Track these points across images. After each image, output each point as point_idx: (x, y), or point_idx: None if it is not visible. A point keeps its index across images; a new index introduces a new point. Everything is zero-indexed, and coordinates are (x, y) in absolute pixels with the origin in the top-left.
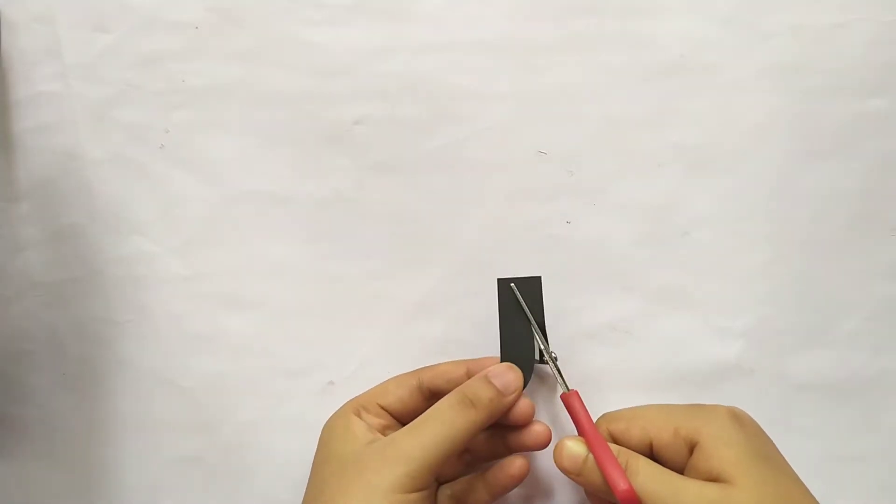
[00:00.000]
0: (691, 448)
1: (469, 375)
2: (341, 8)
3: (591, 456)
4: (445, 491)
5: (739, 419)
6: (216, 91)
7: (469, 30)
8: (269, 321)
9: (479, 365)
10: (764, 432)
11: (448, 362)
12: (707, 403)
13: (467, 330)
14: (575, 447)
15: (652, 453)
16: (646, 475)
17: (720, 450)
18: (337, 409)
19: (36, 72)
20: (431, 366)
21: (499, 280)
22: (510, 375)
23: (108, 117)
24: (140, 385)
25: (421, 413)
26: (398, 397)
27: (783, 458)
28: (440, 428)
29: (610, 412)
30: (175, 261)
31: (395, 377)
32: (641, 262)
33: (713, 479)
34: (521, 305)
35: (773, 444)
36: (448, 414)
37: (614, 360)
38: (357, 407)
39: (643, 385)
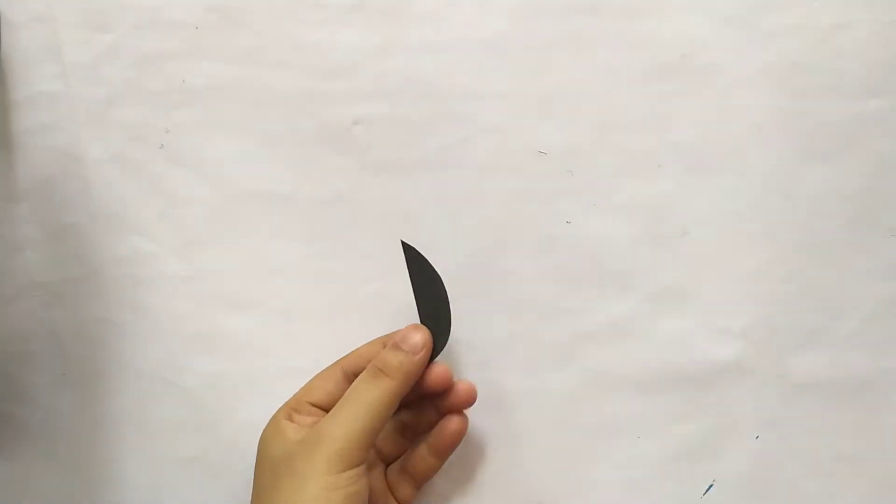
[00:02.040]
0: None
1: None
2: (341, 8)
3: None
4: (395, 467)
5: None
6: (216, 91)
7: (469, 30)
8: (269, 321)
9: (392, 337)
10: None
11: (369, 343)
12: None
13: (467, 330)
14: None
15: None
16: None
17: None
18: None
19: (36, 72)
20: (348, 354)
21: (402, 242)
22: (415, 335)
23: (108, 117)
24: (140, 385)
25: None
26: (326, 391)
27: None
28: (357, 404)
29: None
30: (175, 261)
31: (316, 375)
32: (641, 262)
33: None
34: (425, 270)
35: None
36: (361, 388)
37: (614, 360)
38: (287, 411)
39: (643, 385)
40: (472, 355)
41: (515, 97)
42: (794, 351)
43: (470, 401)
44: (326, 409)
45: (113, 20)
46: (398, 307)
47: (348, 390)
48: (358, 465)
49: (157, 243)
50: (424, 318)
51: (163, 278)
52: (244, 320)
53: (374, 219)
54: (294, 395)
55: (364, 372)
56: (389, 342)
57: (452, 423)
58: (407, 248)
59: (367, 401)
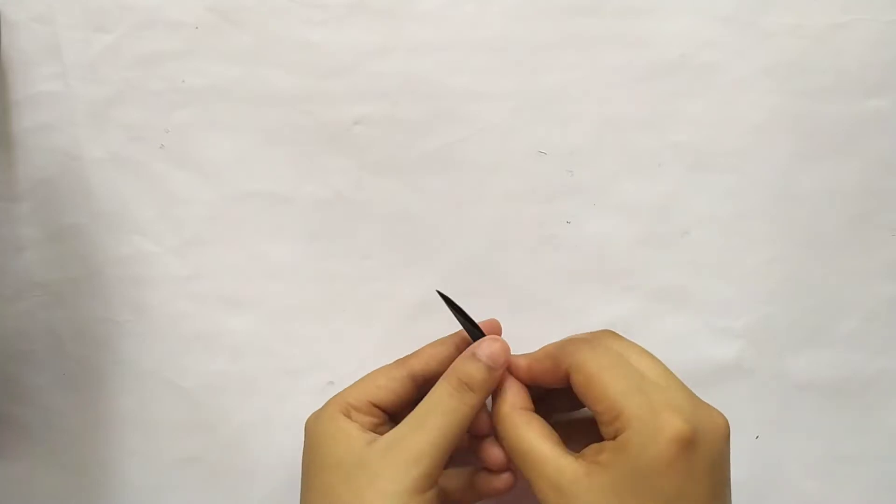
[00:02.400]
0: (613, 438)
1: (458, 351)
2: (341, 8)
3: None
4: None
5: (662, 453)
6: (216, 91)
7: (469, 30)
8: (269, 321)
9: (463, 337)
10: (670, 490)
11: (431, 344)
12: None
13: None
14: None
15: (594, 413)
16: (508, 445)
17: (616, 457)
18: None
19: (36, 72)
20: (416, 352)
21: (439, 293)
22: (496, 347)
23: (108, 117)
24: (140, 385)
25: (413, 403)
26: (392, 393)
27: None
28: (444, 419)
29: (580, 351)
30: (175, 261)
31: (380, 370)
32: (641, 262)
33: (589, 463)
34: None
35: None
36: (448, 403)
37: None
38: (345, 407)
39: None
40: None
41: (515, 97)
42: (794, 351)
43: (504, 489)
44: (387, 412)
45: (113, 20)
46: (398, 307)
47: (430, 400)
48: (437, 485)
49: (157, 243)
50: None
51: (163, 278)
52: (244, 320)
53: (374, 219)
54: (351, 390)
55: (445, 382)
56: (468, 351)
57: (500, 480)
58: (445, 298)
59: (455, 416)
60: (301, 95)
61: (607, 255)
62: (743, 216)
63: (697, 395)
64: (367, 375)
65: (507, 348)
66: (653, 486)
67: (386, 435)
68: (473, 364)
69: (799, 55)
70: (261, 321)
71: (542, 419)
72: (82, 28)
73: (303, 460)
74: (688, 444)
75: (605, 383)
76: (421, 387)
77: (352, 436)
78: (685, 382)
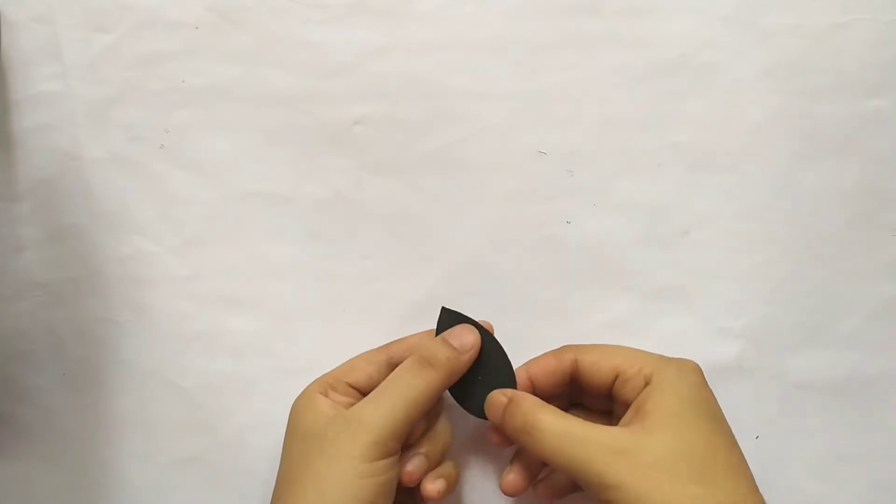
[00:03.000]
0: (646, 385)
1: None
2: (341, 8)
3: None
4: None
5: (696, 375)
6: (216, 91)
7: (469, 30)
8: (269, 321)
9: (448, 332)
10: (715, 406)
11: (416, 334)
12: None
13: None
14: (499, 397)
15: (614, 386)
16: (552, 432)
17: (661, 395)
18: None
19: (36, 72)
20: (400, 339)
21: (443, 308)
22: (467, 335)
23: (108, 117)
24: (140, 385)
25: None
26: (366, 374)
27: (729, 437)
28: (400, 392)
29: (580, 344)
30: (175, 261)
31: (362, 354)
32: (641, 262)
33: (640, 420)
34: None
35: (722, 421)
36: (406, 377)
37: None
38: (324, 386)
39: None
40: None
41: (515, 97)
42: (794, 351)
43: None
44: (363, 392)
45: (113, 20)
46: (398, 307)
47: (390, 376)
48: (392, 455)
49: (157, 243)
50: (470, 384)
51: (163, 278)
52: (244, 320)
53: (374, 219)
54: (332, 371)
55: (409, 359)
56: (439, 336)
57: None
58: (447, 313)
59: (410, 390)
60: (301, 95)
61: (607, 255)
62: (743, 216)
63: None
64: (351, 359)
65: (477, 338)
66: (702, 409)
67: (348, 409)
68: (439, 343)
69: (799, 55)
70: (261, 321)
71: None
72: (82, 28)
73: (284, 437)
74: (699, 369)
75: (617, 350)
76: None
77: (321, 410)
78: None
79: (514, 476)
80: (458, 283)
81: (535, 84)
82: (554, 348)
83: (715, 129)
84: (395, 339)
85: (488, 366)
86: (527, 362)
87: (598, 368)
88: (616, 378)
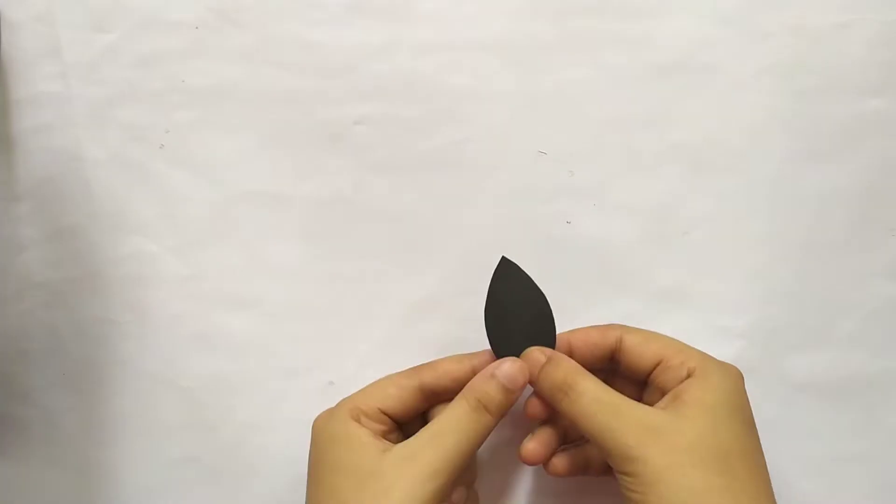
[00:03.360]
0: (688, 376)
1: (474, 372)
2: (341, 8)
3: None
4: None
5: (738, 380)
6: (216, 91)
7: (469, 30)
8: (269, 321)
9: (482, 360)
10: (749, 413)
11: (448, 359)
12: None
13: (467, 330)
14: (538, 354)
15: (654, 371)
16: (591, 397)
17: (702, 390)
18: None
19: (36, 72)
20: (430, 363)
21: (504, 258)
22: (515, 368)
23: (108, 117)
24: (140, 385)
25: (418, 412)
26: (400, 401)
27: (757, 442)
28: (460, 437)
29: (626, 325)
30: (175, 261)
31: (391, 377)
32: (641, 262)
33: (676, 407)
34: (527, 286)
35: (754, 427)
36: (466, 422)
37: None
38: (356, 412)
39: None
40: None
41: (515, 97)
42: (794, 351)
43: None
44: (395, 419)
45: (113, 20)
46: (398, 307)
47: (447, 417)
48: (448, 500)
49: (157, 243)
50: (512, 336)
51: (163, 278)
52: (244, 320)
53: (374, 219)
54: (362, 394)
55: (464, 401)
56: (487, 371)
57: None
58: (507, 264)
59: (471, 435)
60: (301, 95)
61: (607, 255)
62: (743, 216)
63: None
64: (378, 382)
65: (525, 370)
66: (736, 410)
67: (400, 445)
68: (492, 384)
69: (799, 55)
70: (261, 321)
71: None
72: (82, 28)
73: (311, 460)
74: (743, 379)
75: (664, 338)
76: (429, 398)
77: (364, 442)
78: None
79: (534, 444)
80: (458, 283)
81: (535, 84)
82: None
83: (715, 129)
84: (425, 362)
85: (532, 322)
86: (570, 330)
87: (643, 350)
88: (658, 364)
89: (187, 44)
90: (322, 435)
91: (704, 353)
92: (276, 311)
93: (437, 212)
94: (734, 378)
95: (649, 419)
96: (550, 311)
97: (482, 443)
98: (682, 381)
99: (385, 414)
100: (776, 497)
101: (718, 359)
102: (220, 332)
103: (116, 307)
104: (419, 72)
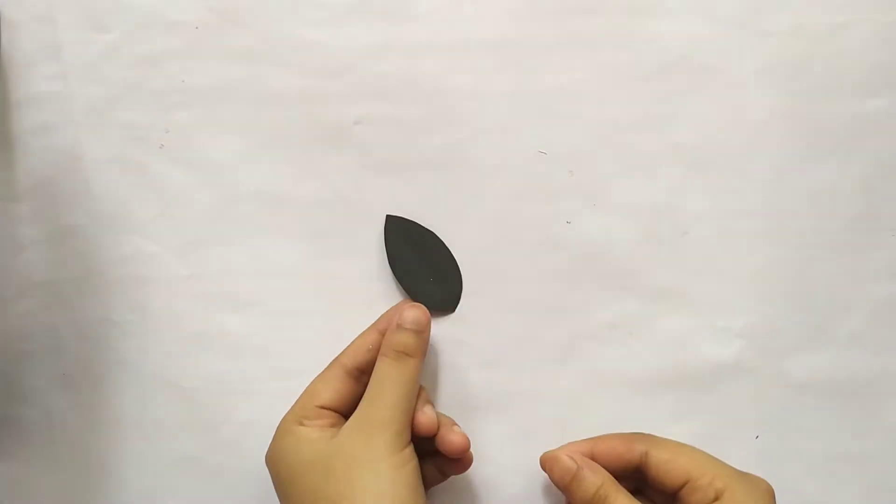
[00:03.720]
0: (715, 499)
1: (382, 333)
2: (341, 8)
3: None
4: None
5: (768, 498)
6: (216, 91)
7: (469, 30)
8: (269, 321)
9: (384, 320)
10: None
11: (358, 336)
12: (754, 475)
13: (467, 330)
14: (569, 462)
15: (681, 490)
16: None
17: None
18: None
19: (36, 72)
20: (344, 350)
21: (388, 217)
22: (415, 311)
23: (108, 117)
24: (140, 385)
25: (357, 396)
26: (333, 391)
27: None
28: (394, 385)
29: (653, 436)
30: (175, 261)
31: (317, 378)
32: (641, 262)
33: None
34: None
35: None
36: (393, 372)
37: (614, 360)
38: (296, 419)
39: (643, 385)
40: (472, 355)
41: (515, 97)
42: (794, 351)
43: (464, 460)
44: (336, 410)
45: (113, 20)
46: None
47: (377, 375)
48: (409, 443)
49: (157, 243)
50: (423, 284)
51: (163, 278)
52: (244, 320)
53: (374, 219)
54: (297, 404)
55: (384, 357)
56: (392, 325)
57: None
58: (391, 219)
59: (403, 382)
60: (301, 95)
61: (607, 255)
62: (743, 216)
63: (698, 395)
64: (307, 387)
65: (425, 311)
66: None
67: (347, 422)
68: (403, 333)
69: (799, 55)
70: (261, 321)
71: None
72: (82, 28)
73: (277, 491)
74: (773, 495)
75: (691, 454)
76: (357, 379)
77: (313, 438)
78: (685, 382)
79: None
80: None
81: (535, 84)
82: (625, 432)
83: (715, 129)
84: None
85: (438, 266)
86: (593, 438)
87: (669, 469)
88: (686, 483)
89: (187, 44)
90: (274, 457)
91: (733, 471)
92: (276, 311)
93: (438, 212)
94: (763, 496)
95: None
96: (448, 250)
97: (417, 382)
98: (707, 501)
99: (325, 408)
100: (776, 497)
101: (747, 473)
102: (220, 332)
103: (116, 307)
104: (419, 72)
